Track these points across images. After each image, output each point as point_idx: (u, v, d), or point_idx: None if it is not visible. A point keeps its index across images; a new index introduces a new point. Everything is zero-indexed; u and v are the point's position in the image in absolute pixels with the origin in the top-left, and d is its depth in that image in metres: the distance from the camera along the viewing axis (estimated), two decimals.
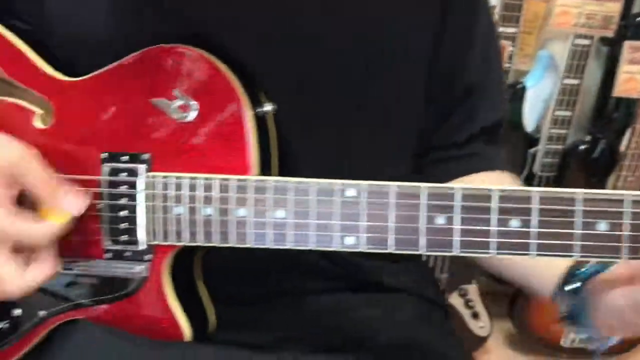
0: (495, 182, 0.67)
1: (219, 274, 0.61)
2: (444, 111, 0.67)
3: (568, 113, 1.54)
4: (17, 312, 0.63)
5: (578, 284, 0.55)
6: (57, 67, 0.61)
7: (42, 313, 0.61)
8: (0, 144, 0.53)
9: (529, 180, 1.65)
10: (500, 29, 1.51)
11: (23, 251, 0.52)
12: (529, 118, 1.56)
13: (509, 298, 1.78)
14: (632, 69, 1.44)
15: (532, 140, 1.64)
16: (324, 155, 0.59)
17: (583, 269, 0.55)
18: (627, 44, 1.45)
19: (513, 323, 1.75)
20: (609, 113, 1.69)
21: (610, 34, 1.51)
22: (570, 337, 1.75)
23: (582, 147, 1.64)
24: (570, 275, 0.55)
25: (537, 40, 1.67)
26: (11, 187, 0.52)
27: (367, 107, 0.60)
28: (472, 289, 1.67)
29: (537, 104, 1.58)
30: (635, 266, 0.51)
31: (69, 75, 0.61)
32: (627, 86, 1.47)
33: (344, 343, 0.63)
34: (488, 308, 1.69)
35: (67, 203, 0.54)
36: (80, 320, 0.60)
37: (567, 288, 0.55)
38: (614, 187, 1.61)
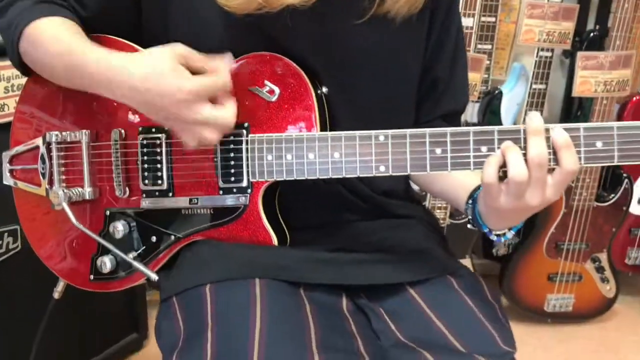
0: None
1: (288, 207, 0.91)
2: (420, 98, 0.99)
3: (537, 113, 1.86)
4: (153, 238, 0.92)
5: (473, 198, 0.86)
6: None
7: (173, 237, 0.91)
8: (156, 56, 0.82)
9: None
10: (479, 46, 1.84)
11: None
12: (506, 118, 1.88)
13: (498, 275, 2.08)
14: (585, 74, 1.77)
15: None
16: (356, 120, 0.90)
17: (478, 190, 0.85)
18: (580, 54, 1.79)
19: (504, 295, 2.04)
20: (574, 113, 2.02)
21: (567, 47, 1.85)
22: (552, 303, 2.04)
23: None
24: (470, 196, 0.86)
25: (510, 55, 2.02)
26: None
27: (382, 94, 0.92)
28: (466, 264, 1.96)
29: (512, 107, 1.91)
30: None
31: None
32: (582, 88, 1.80)
33: (373, 253, 0.92)
34: None
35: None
36: (199, 240, 0.90)
37: (469, 202, 0.86)
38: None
